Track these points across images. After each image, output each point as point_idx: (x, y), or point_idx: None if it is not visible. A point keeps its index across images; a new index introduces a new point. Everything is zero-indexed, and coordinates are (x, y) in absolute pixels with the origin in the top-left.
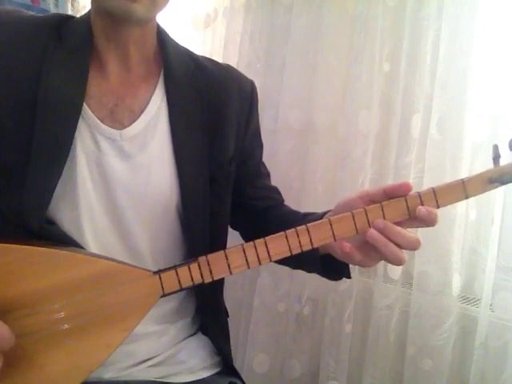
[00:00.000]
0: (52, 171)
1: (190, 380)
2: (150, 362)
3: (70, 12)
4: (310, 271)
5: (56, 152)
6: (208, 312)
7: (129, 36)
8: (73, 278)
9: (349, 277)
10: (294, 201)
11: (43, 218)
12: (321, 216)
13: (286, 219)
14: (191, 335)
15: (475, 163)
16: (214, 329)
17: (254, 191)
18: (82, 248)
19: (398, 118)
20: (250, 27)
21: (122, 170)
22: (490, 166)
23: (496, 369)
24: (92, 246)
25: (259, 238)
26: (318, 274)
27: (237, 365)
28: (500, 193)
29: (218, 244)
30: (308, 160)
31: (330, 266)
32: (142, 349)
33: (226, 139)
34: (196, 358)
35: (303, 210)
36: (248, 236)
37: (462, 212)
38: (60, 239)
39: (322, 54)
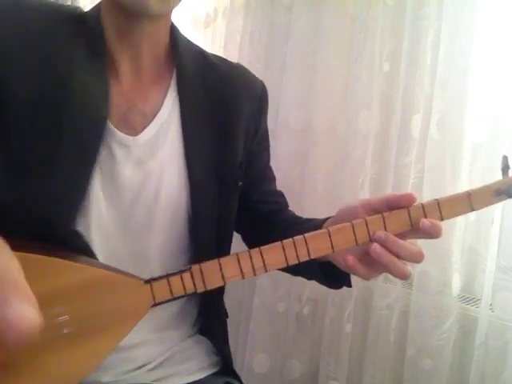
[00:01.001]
0: (81, 177)
1: (187, 381)
2: (149, 366)
3: None
4: (309, 279)
5: (84, 159)
6: (209, 315)
7: (142, 34)
8: (61, 286)
9: (349, 285)
10: (294, 201)
11: (73, 224)
12: (322, 222)
13: (288, 225)
14: (190, 336)
15: (475, 163)
16: (214, 330)
17: (258, 195)
18: (94, 255)
19: (397, 118)
20: (249, 27)
21: (133, 177)
22: (490, 165)
23: (496, 369)
24: (99, 252)
25: (260, 242)
26: (318, 281)
27: (236, 365)
28: None
29: (224, 248)
30: (308, 160)
31: (330, 274)
32: (142, 354)
33: (236, 142)
34: (194, 358)
35: (303, 210)
36: (249, 239)
37: None
38: (82, 248)
39: (321, 53)
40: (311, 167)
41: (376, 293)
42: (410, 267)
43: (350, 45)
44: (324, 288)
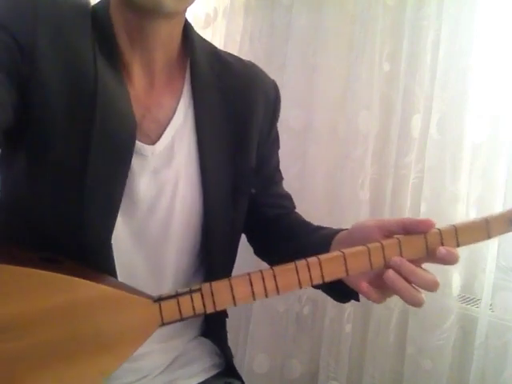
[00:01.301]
0: (116, 178)
1: None
2: (153, 374)
3: None
4: (316, 288)
5: (118, 162)
6: (211, 317)
7: (155, 34)
8: (67, 303)
9: (357, 300)
10: (294, 201)
11: (109, 237)
12: (333, 235)
13: (296, 231)
14: (192, 339)
15: (475, 163)
16: (215, 331)
17: (267, 198)
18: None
19: (398, 118)
20: (249, 27)
21: (149, 189)
22: (490, 165)
23: (496, 369)
24: (116, 266)
25: (266, 246)
26: (326, 293)
27: (236, 365)
28: (500, 192)
29: (232, 253)
30: (308, 160)
31: (339, 289)
32: (148, 365)
33: (250, 147)
34: (196, 361)
35: (303, 210)
36: (255, 241)
37: (461, 211)
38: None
39: (321, 54)
40: (311, 167)
41: None
42: (423, 295)
43: (350, 45)
44: None
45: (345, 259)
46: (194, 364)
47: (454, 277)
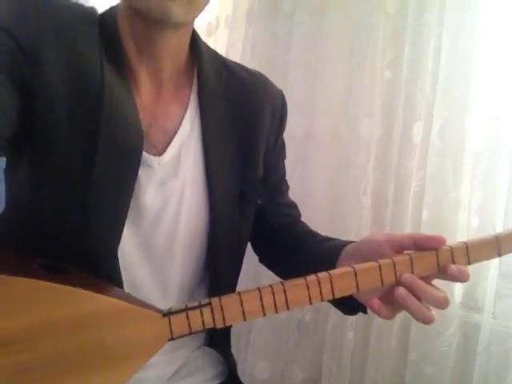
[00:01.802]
0: (123, 188)
1: None
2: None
3: None
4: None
5: (125, 172)
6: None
7: (163, 44)
8: (75, 316)
9: (365, 312)
10: None
11: (116, 248)
12: (341, 246)
13: (302, 240)
14: (196, 349)
15: (477, 170)
16: (219, 339)
17: (273, 207)
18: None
19: (399, 124)
20: (251, 36)
21: (155, 200)
22: (491, 172)
23: (498, 375)
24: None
25: (272, 255)
26: (333, 305)
27: (238, 371)
28: (502, 200)
29: (237, 262)
30: (310, 166)
31: (348, 302)
32: (153, 375)
33: (257, 157)
34: (200, 371)
35: (305, 216)
36: (260, 250)
37: (464, 219)
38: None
39: (323, 61)
40: (313, 173)
41: None
42: (434, 313)
43: (352, 52)
44: None
45: (356, 275)
46: (197, 374)
47: (456, 284)
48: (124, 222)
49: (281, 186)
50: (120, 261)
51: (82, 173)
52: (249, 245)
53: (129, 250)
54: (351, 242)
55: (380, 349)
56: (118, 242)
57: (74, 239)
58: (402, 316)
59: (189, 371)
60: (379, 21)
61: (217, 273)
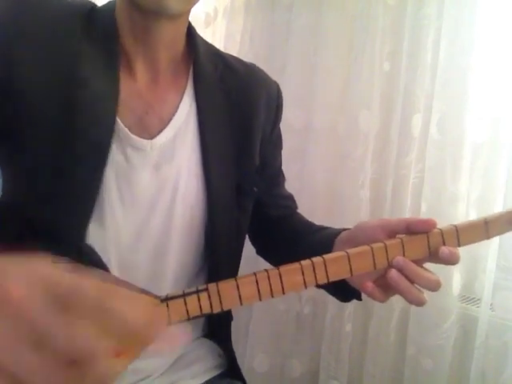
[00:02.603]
0: (92, 183)
1: None
2: (155, 374)
3: None
4: (318, 287)
5: (95, 156)
6: (216, 318)
7: (159, 34)
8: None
9: (360, 299)
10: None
11: (84, 234)
12: (336, 234)
13: (300, 232)
14: (195, 339)
15: (476, 163)
16: (219, 333)
17: (270, 198)
18: (105, 267)
19: (398, 117)
20: (250, 27)
21: (151, 184)
22: (491, 165)
23: (496, 368)
24: (114, 262)
25: (269, 247)
26: (328, 292)
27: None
28: (500, 193)
29: (236, 253)
30: (308, 159)
31: (342, 288)
32: (150, 365)
33: (253, 147)
34: (199, 361)
35: (303, 209)
36: (258, 242)
37: (462, 212)
38: (94, 261)
39: (322, 53)
40: (311, 166)
41: None
42: (426, 295)
43: (351, 44)
44: None
45: (349, 259)
46: (196, 364)
47: (454, 276)
48: (89, 215)
49: (278, 177)
50: (116, 245)
51: (49, 167)
52: (247, 238)
53: (124, 233)
54: (345, 229)
55: (378, 342)
56: (83, 238)
57: (42, 230)
58: (400, 308)
59: (188, 361)
60: (378, 13)
61: (215, 264)
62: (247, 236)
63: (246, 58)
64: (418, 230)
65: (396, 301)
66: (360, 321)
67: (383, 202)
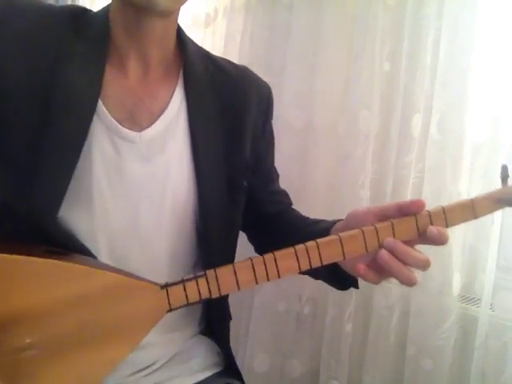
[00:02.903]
0: (63, 170)
1: (190, 382)
2: (152, 368)
3: None
4: (316, 278)
5: (68, 147)
6: (213, 316)
7: (151, 31)
8: (76, 291)
9: (357, 287)
10: (294, 201)
11: (55, 217)
12: (331, 224)
13: (295, 226)
14: (193, 336)
15: (476, 163)
16: (217, 331)
17: (264, 195)
18: (91, 254)
19: (398, 117)
20: (250, 27)
21: (141, 173)
22: (490, 165)
23: (496, 369)
24: (104, 253)
25: (266, 243)
26: (325, 282)
27: (237, 364)
28: None
29: (230, 248)
30: (308, 160)
31: (337, 275)
32: (147, 357)
33: (243, 142)
34: (196, 358)
35: (303, 209)
36: (255, 239)
37: None
38: (71, 241)
39: (322, 53)
40: (311, 166)
41: (376, 293)
42: (416, 274)
43: (351, 44)
44: (324, 288)
45: (341, 242)
46: (193, 361)
47: (454, 276)
48: (68, 180)
49: (271, 173)
50: (106, 234)
51: (27, 155)
52: (244, 236)
53: (114, 220)
54: (340, 220)
55: (378, 342)
56: (55, 220)
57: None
58: (400, 309)
59: (185, 358)
60: (378, 13)
61: (209, 257)
62: (246, 235)
63: (246, 58)
64: (408, 211)
65: (396, 301)
66: (360, 321)
67: (383, 201)
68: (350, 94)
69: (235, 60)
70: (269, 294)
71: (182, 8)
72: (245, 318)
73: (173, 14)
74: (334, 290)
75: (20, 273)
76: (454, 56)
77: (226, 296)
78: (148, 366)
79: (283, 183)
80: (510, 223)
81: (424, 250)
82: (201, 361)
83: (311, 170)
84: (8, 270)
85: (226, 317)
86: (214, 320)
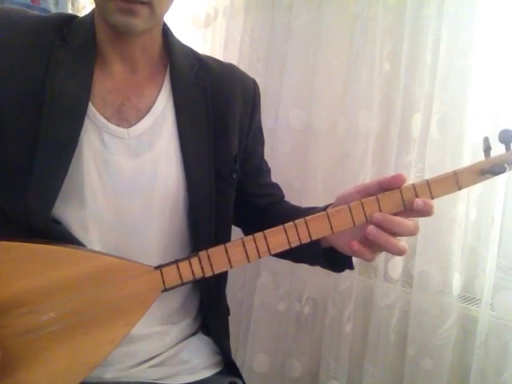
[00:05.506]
0: (57, 170)
1: (190, 381)
2: (151, 362)
3: (70, 12)
4: (312, 264)
5: (61, 151)
6: (210, 311)
7: (133, 43)
8: (74, 275)
9: (352, 268)
10: (295, 200)
11: (49, 216)
12: (323, 209)
13: (287, 214)
14: (192, 334)
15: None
16: (216, 328)
17: (256, 188)
18: (85, 247)
19: (398, 117)
20: (250, 27)
21: (130, 168)
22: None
23: (496, 369)
24: (97, 245)
25: None
26: (321, 266)
27: (237, 364)
28: (500, 192)
29: (222, 240)
30: (308, 159)
31: (332, 258)
32: (144, 349)
33: (230, 137)
34: (197, 357)
35: None
36: (249, 233)
37: (462, 212)
38: (65, 239)
39: (322, 53)
40: (311, 166)
41: (376, 293)
42: (405, 244)
43: (351, 44)
44: (324, 287)
45: (328, 217)
46: (194, 360)
47: (454, 276)
48: (62, 180)
49: (261, 167)
50: (98, 227)
51: (23, 160)
52: (239, 230)
53: (104, 212)
54: (330, 204)
55: (378, 342)
56: (48, 218)
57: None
58: (400, 309)
59: (186, 356)
60: (378, 13)
61: (198, 249)
62: (241, 230)
63: (246, 58)
64: (389, 186)
65: (396, 301)
66: (360, 321)
67: None
68: (349, 93)
69: (235, 60)
70: (269, 293)
71: (182, 8)
72: (245, 317)
73: (154, 28)
74: (334, 289)
75: (14, 258)
76: (453, 56)
77: (223, 290)
78: (147, 360)
79: (283, 183)
80: (510, 223)
81: (424, 250)
82: (201, 360)
83: (311, 169)
84: (2, 256)
85: (224, 311)
86: (211, 314)
